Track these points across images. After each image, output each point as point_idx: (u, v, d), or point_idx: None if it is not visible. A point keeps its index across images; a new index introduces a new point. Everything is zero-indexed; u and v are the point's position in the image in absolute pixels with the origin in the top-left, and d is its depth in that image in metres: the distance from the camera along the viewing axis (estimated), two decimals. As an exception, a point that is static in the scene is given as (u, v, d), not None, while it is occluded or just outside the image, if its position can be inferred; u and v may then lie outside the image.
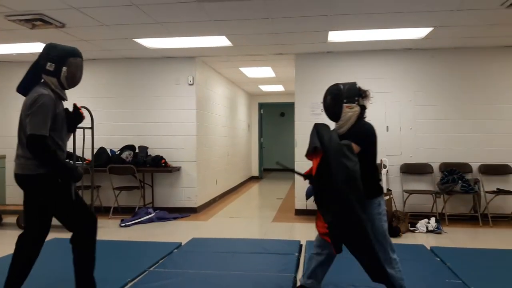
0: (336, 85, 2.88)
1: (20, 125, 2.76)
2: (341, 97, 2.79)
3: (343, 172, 2.45)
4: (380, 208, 2.78)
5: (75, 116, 3.00)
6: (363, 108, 2.84)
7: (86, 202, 3.14)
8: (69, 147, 5.61)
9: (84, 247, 2.89)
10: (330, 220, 2.54)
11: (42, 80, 2.79)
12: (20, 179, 2.78)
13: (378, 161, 6.10)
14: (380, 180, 2.93)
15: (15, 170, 2.82)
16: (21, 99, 2.83)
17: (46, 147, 2.66)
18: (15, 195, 5.98)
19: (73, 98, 6.93)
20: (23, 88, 2.82)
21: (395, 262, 2.79)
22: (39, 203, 2.82)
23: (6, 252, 4.21)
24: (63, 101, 2.91)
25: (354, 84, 2.85)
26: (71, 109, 3.02)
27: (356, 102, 2.78)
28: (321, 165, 2.56)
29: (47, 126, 2.66)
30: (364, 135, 2.78)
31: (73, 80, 2.83)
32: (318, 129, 2.71)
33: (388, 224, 5.23)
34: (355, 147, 2.62)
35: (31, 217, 2.87)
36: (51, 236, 3.62)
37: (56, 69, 2.73)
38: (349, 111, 2.77)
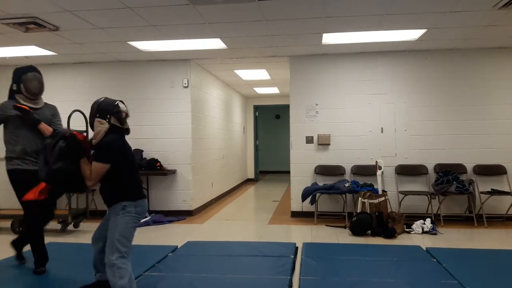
0: (98, 99, 3.00)
1: None
2: (94, 111, 2.92)
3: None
4: (125, 211, 2.85)
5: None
6: (113, 126, 2.91)
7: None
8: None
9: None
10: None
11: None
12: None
13: (371, 162, 6.16)
14: (130, 186, 2.96)
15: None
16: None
17: None
18: (8, 199, 5.94)
19: (67, 101, 6.95)
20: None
21: (117, 267, 2.79)
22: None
23: (1, 256, 4.18)
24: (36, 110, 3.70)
25: (112, 102, 2.96)
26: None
27: (107, 120, 2.88)
28: None
29: None
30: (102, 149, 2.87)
31: (33, 90, 3.63)
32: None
33: (384, 225, 5.27)
34: (98, 166, 2.81)
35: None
36: (46, 240, 3.61)
37: (17, 87, 3.62)
38: (99, 126, 2.89)
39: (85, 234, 5.51)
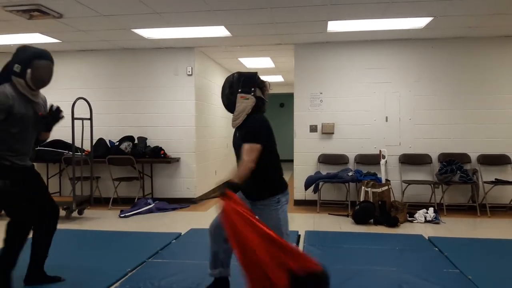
0: (233, 73, 2.70)
1: None
2: (236, 87, 2.61)
3: None
4: (279, 205, 2.61)
5: (53, 117, 3.02)
6: (259, 100, 2.67)
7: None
8: (68, 138, 5.66)
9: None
10: None
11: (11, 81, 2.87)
12: None
13: (375, 151, 6.14)
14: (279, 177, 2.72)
15: None
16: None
17: None
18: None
19: (72, 89, 6.95)
20: None
21: None
22: None
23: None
24: (34, 103, 2.98)
25: (253, 74, 2.69)
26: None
27: (252, 93, 2.61)
28: None
29: None
30: (256, 131, 2.58)
31: (39, 81, 2.90)
32: None
33: (386, 214, 5.28)
34: (250, 147, 2.48)
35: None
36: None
37: (21, 70, 2.83)
38: (243, 102, 2.60)
39: (89, 221, 5.56)
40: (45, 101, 3.16)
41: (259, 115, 2.66)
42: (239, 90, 2.60)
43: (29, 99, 2.92)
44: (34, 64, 2.84)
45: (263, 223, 2.34)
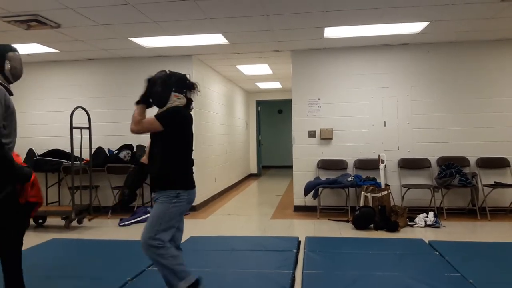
0: (165, 71, 2.84)
1: None
2: (169, 85, 2.74)
3: None
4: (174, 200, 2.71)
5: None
6: (189, 100, 2.83)
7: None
8: (67, 147, 5.66)
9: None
10: None
11: None
12: None
13: (374, 156, 6.15)
14: (187, 173, 2.86)
15: None
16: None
17: None
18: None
19: (70, 98, 6.97)
20: None
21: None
22: None
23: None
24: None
25: (184, 75, 2.85)
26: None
27: (184, 94, 2.77)
28: None
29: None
30: (170, 114, 2.71)
31: (16, 73, 2.93)
32: None
33: (386, 218, 5.28)
34: (153, 120, 2.66)
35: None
36: (49, 236, 3.62)
37: (0, 64, 2.84)
38: (177, 100, 2.74)
39: (88, 230, 5.54)
40: None
41: (181, 108, 2.77)
42: (173, 89, 2.72)
43: (11, 92, 2.89)
44: (9, 57, 2.88)
45: None
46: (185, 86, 2.78)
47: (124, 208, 2.81)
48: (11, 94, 2.89)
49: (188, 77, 2.86)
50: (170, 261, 2.65)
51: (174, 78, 2.76)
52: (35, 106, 6.87)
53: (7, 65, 2.86)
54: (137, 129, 2.72)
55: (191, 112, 2.87)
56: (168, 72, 2.82)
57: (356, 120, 6.37)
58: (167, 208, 2.68)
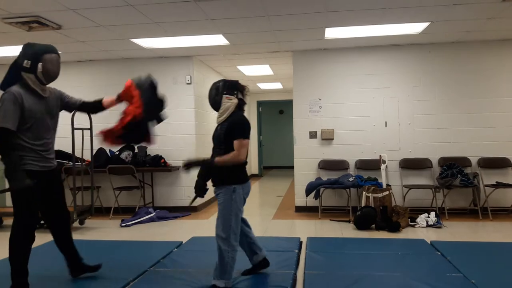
0: (219, 80, 3.24)
1: None
2: (222, 90, 3.14)
3: None
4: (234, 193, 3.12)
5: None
6: (241, 101, 3.18)
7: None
8: (68, 148, 5.67)
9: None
10: None
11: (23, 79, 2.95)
12: None
13: (375, 157, 6.16)
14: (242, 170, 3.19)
15: None
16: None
17: (2, 139, 2.82)
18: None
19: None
20: (6, 85, 2.96)
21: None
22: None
23: (6, 254, 4.22)
24: (44, 98, 3.06)
25: (236, 81, 3.23)
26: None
27: (235, 95, 3.13)
28: None
29: (8, 119, 2.81)
30: (242, 126, 3.10)
31: (49, 75, 3.00)
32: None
33: (388, 219, 5.28)
34: (241, 142, 3.01)
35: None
36: (51, 237, 3.62)
37: (32, 65, 2.90)
38: (227, 102, 3.11)
39: (90, 230, 5.55)
40: (59, 95, 3.29)
41: (241, 113, 3.17)
42: (224, 92, 3.12)
43: (40, 95, 3.00)
44: (44, 58, 2.93)
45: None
46: (236, 88, 3.16)
47: (201, 196, 3.68)
48: (41, 96, 3.01)
49: (238, 81, 3.25)
50: (229, 260, 3.05)
51: (226, 84, 3.17)
52: (36, 107, 6.85)
53: (40, 67, 2.92)
54: (242, 158, 3.05)
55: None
56: (221, 80, 3.21)
57: (357, 120, 6.37)
58: (229, 204, 3.13)
